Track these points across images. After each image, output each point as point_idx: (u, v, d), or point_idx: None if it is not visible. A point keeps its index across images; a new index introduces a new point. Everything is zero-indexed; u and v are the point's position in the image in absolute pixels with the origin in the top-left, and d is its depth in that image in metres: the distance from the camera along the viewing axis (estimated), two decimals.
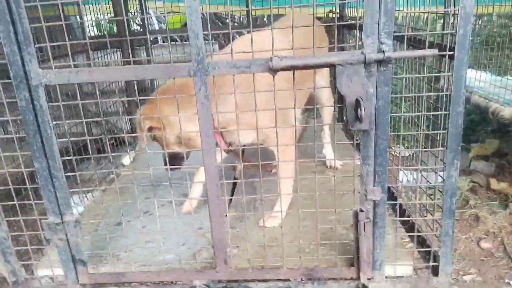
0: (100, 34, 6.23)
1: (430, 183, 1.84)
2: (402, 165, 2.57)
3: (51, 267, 1.99)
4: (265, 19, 5.19)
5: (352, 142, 3.18)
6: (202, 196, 2.36)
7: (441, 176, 1.67)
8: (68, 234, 1.82)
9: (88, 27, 4.19)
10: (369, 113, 1.48)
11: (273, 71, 1.48)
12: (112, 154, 1.83)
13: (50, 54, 1.61)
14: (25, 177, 1.84)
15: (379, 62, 1.45)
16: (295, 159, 1.86)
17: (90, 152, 1.79)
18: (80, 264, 1.90)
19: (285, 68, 1.47)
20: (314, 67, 1.48)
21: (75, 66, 1.61)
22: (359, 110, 1.44)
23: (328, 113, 2.92)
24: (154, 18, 6.04)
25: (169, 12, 4.98)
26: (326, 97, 2.83)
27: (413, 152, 3.05)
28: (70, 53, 1.63)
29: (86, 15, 3.15)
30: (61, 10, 1.63)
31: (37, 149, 1.69)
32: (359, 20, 1.49)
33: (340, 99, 3.69)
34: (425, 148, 1.85)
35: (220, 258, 1.84)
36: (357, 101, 1.44)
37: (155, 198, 1.87)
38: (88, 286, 1.99)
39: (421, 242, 2.00)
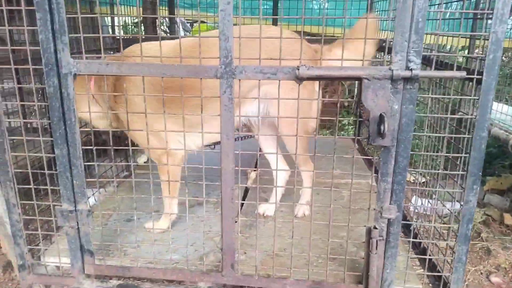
0: (126, 36, 6.36)
1: (446, 207, 1.82)
2: (416, 191, 2.54)
3: (59, 256, 2.00)
4: None
5: (369, 158, 3.16)
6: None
7: (459, 202, 1.65)
8: (79, 222, 1.83)
9: (114, 28, 4.26)
10: (392, 129, 1.48)
11: (299, 79, 1.50)
12: (129, 148, 1.85)
13: (82, 44, 1.65)
14: (44, 163, 1.87)
15: (406, 80, 1.45)
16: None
17: (111, 143, 1.82)
18: (87, 254, 1.91)
19: (311, 77, 1.48)
20: (341, 78, 1.49)
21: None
22: (382, 126, 1.44)
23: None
24: (180, 26, 6.16)
25: (197, 21, 5.06)
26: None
27: (428, 178, 3.01)
28: (102, 47, 1.67)
29: (116, 16, 3.21)
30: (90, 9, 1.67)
31: (60, 135, 1.72)
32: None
33: (360, 116, 3.70)
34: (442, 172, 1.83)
35: (227, 262, 1.83)
36: (381, 116, 1.44)
37: (168, 196, 1.87)
38: (92, 277, 1.99)
39: (431, 267, 1.97)
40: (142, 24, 4.52)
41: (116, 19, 4.03)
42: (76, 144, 1.72)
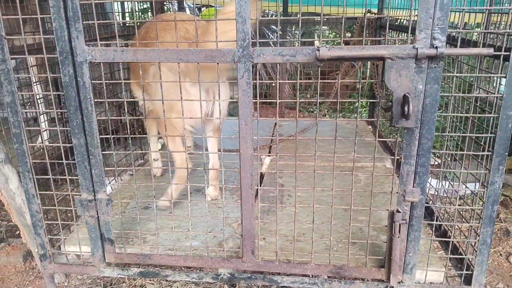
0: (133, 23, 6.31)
1: (469, 189, 1.79)
2: (434, 173, 2.50)
3: (79, 245, 2.01)
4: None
5: (391, 140, 3.12)
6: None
7: (483, 184, 1.61)
8: (99, 212, 1.83)
9: (120, 14, 4.22)
10: (416, 110, 1.44)
11: (320, 61, 1.46)
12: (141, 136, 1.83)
13: (97, 31, 1.62)
14: (62, 153, 1.86)
15: (431, 58, 1.41)
16: None
17: (128, 131, 1.80)
18: (108, 243, 1.91)
19: (332, 58, 1.44)
20: (363, 59, 1.45)
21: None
22: (406, 107, 1.40)
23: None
24: (188, 10, 6.09)
25: (204, 5, 5.00)
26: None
27: (444, 160, 2.98)
28: (117, 35, 1.64)
29: (126, 0, 3.17)
30: None
31: (77, 125, 1.71)
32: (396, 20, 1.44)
33: (372, 98, 3.64)
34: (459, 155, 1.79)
35: (247, 248, 1.82)
36: (405, 97, 1.40)
37: (188, 183, 1.86)
38: (113, 265, 2.00)
39: (453, 249, 1.95)
40: (150, 10, 4.47)
41: (125, 4, 3.99)
42: (94, 133, 1.71)
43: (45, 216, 1.96)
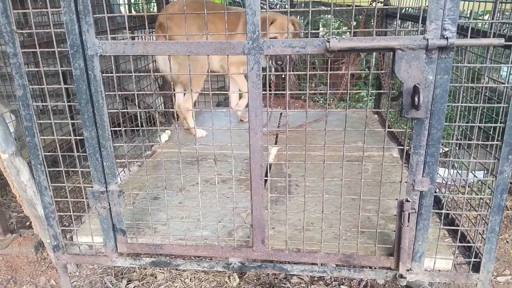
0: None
1: (477, 177, 1.80)
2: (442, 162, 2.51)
3: (92, 235, 2.04)
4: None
5: (400, 130, 3.13)
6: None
7: (493, 174, 1.63)
8: (111, 203, 1.86)
9: (124, 5, 4.22)
10: (427, 101, 1.44)
11: (330, 52, 1.46)
12: (158, 128, 1.84)
13: (107, 24, 1.62)
14: (73, 145, 1.88)
15: (441, 49, 1.41)
16: None
17: (141, 124, 1.82)
18: (120, 233, 1.95)
19: (342, 49, 1.44)
20: (373, 50, 1.45)
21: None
22: (416, 97, 1.41)
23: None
24: None
25: None
26: None
27: (450, 148, 2.99)
28: (128, 27, 1.65)
29: None
30: None
31: (88, 118, 1.73)
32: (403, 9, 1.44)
33: (379, 87, 3.64)
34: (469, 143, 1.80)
35: (257, 238, 1.85)
36: (415, 87, 1.41)
37: (199, 174, 1.88)
38: (125, 255, 2.04)
39: (461, 237, 1.97)
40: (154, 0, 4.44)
41: None
42: (105, 126, 1.73)
43: (56, 207, 1.99)
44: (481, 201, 1.81)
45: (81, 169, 1.90)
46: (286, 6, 5.12)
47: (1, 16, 1.62)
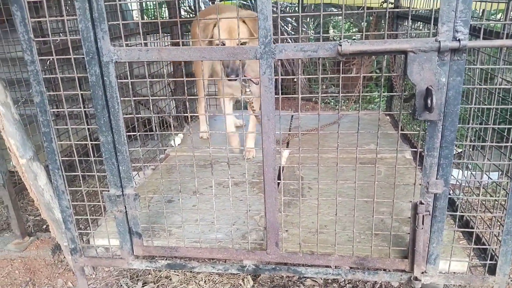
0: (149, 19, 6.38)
1: (492, 179, 1.79)
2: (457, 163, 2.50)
3: (108, 238, 2.08)
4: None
5: (413, 132, 3.11)
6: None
7: (508, 175, 1.61)
8: (127, 206, 1.89)
9: (138, 11, 4.29)
10: (440, 103, 1.44)
11: (342, 55, 1.47)
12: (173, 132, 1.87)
13: (122, 31, 1.66)
14: (89, 149, 1.92)
15: (453, 51, 1.41)
16: None
17: (155, 128, 1.85)
18: (136, 236, 1.98)
19: (354, 53, 1.45)
20: (385, 53, 1.46)
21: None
22: (429, 100, 1.41)
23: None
24: (202, 4, 6.12)
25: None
26: None
27: (465, 149, 2.96)
28: (141, 32, 1.68)
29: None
30: None
31: (104, 123, 1.76)
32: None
33: (390, 88, 3.62)
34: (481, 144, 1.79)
35: (271, 240, 1.86)
36: (428, 90, 1.41)
37: (212, 177, 1.90)
38: (141, 258, 2.07)
39: (476, 239, 1.95)
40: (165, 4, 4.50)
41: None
42: (121, 131, 1.76)
43: (73, 210, 2.03)
44: (496, 202, 1.80)
45: (97, 174, 1.93)
46: (297, 9, 5.14)
47: (20, 25, 1.66)
